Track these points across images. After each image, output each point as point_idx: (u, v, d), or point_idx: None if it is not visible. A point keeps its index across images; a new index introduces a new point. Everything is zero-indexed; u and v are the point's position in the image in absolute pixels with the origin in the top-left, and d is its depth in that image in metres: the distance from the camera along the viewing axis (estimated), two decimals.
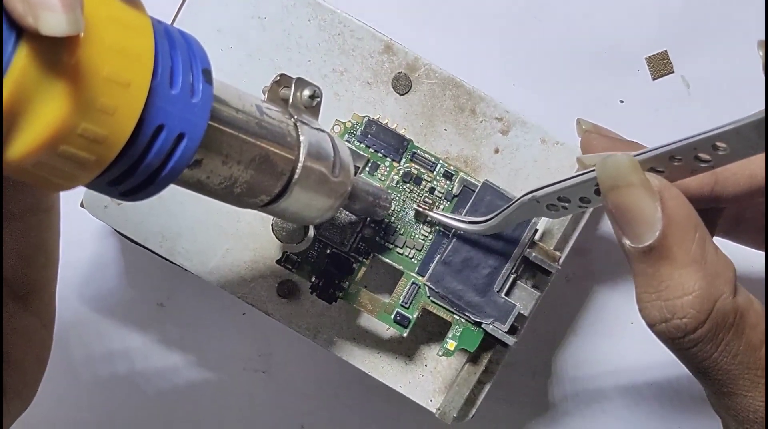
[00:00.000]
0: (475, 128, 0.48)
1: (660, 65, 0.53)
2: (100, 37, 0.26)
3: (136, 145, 0.28)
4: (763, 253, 0.47)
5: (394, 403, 0.51)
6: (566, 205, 0.39)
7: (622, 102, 0.54)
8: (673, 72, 0.54)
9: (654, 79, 0.54)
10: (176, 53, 0.29)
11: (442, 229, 0.46)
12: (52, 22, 0.23)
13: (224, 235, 0.49)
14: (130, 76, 0.26)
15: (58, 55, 0.24)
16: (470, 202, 0.45)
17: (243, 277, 0.49)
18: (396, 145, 0.46)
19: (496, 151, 0.48)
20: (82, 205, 0.49)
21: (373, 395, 0.56)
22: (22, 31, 0.24)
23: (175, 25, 0.48)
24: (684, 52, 0.54)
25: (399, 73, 0.48)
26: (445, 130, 0.48)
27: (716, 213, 0.46)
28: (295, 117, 0.36)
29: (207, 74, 0.30)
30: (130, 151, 0.28)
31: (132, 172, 0.29)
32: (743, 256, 0.49)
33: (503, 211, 0.42)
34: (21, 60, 0.24)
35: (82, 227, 0.54)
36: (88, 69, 0.25)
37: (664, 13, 0.54)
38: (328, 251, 0.46)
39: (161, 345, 0.56)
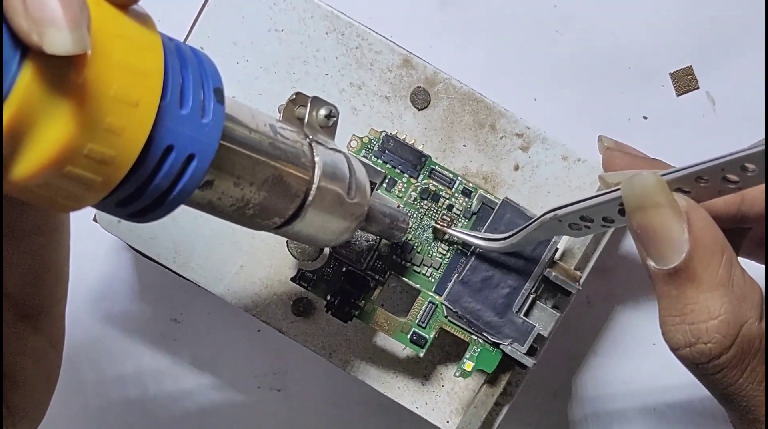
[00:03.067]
0: (495, 144, 0.47)
1: (685, 81, 0.53)
2: (107, 55, 0.25)
3: (145, 166, 0.27)
4: None
5: (410, 424, 0.50)
6: (589, 224, 0.38)
7: (645, 118, 0.53)
8: (698, 88, 0.53)
9: (678, 95, 0.53)
10: (187, 71, 0.29)
11: (460, 247, 0.45)
12: (58, 40, 0.22)
13: (239, 252, 0.48)
14: (138, 96, 0.26)
15: (64, 73, 0.24)
16: (489, 219, 0.45)
17: (257, 294, 0.48)
18: (414, 161, 0.45)
19: (516, 168, 0.47)
20: (95, 220, 0.48)
21: (389, 416, 0.55)
22: (27, 49, 0.23)
23: (190, 37, 0.47)
24: (709, 67, 0.53)
25: (418, 87, 0.47)
26: (464, 146, 0.47)
27: (742, 233, 0.45)
28: (310, 137, 0.35)
29: (219, 93, 0.29)
30: (138, 172, 0.27)
31: (140, 194, 0.28)
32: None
33: (523, 228, 0.41)
34: (25, 79, 0.23)
35: (95, 242, 0.54)
36: (95, 88, 0.24)
37: (689, 28, 0.53)
38: (344, 269, 0.45)
39: (174, 361, 0.56)
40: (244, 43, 0.47)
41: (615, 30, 0.53)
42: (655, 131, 0.53)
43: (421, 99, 0.47)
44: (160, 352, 0.56)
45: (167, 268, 0.48)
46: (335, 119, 0.37)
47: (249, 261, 0.48)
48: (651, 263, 0.34)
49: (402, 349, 0.48)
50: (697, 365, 0.34)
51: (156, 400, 0.56)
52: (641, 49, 0.53)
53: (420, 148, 0.45)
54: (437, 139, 0.47)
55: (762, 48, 0.53)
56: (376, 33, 0.47)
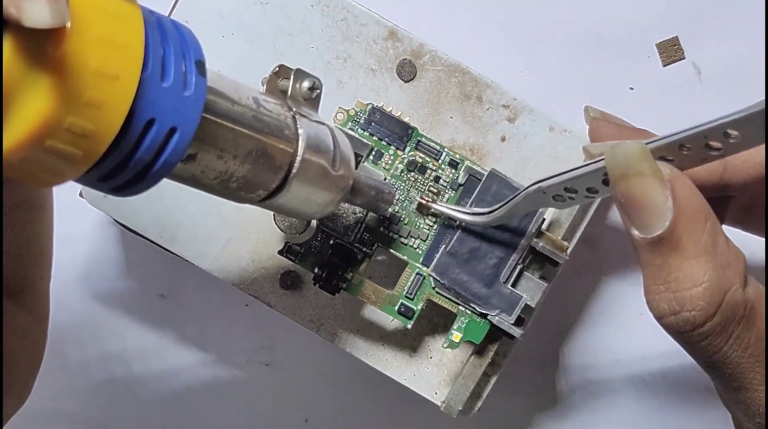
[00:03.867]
0: (482, 116, 0.47)
1: (671, 51, 0.52)
2: (87, 29, 0.25)
3: (126, 139, 0.27)
4: None
5: (399, 396, 0.50)
6: (573, 195, 0.38)
7: (631, 89, 0.53)
8: (684, 58, 0.53)
9: (664, 66, 0.53)
10: (168, 44, 0.28)
11: (447, 219, 0.45)
12: (36, 13, 0.22)
13: (225, 225, 0.48)
14: (118, 69, 0.25)
15: (43, 47, 0.23)
16: (476, 191, 0.44)
17: (245, 268, 0.48)
18: (400, 133, 0.45)
19: (503, 139, 0.47)
20: (81, 195, 0.48)
21: (378, 388, 0.55)
22: (4, 23, 0.23)
23: (176, 10, 0.47)
24: (695, 37, 0.53)
25: (404, 59, 0.47)
26: (451, 117, 0.47)
27: (725, 201, 0.45)
28: (294, 109, 0.35)
29: (200, 66, 0.29)
30: (119, 146, 0.27)
31: (122, 168, 0.28)
32: (754, 246, 0.48)
33: (508, 201, 0.41)
34: (5, 53, 0.23)
35: (81, 218, 0.54)
36: (75, 61, 0.24)
37: None
38: (332, 242, 0.45)
39: (162, 337, 0.56)
40: (229, 16, 0.47)
41: (602, 1, 0.53)
42: (642, 102, 0.53)
43: (407, 71, 0.47)
44: (148, 328, 0.56)
45: (154, 242, 0.48)
46: (319, 91, 0.37)
47: (236, 235, 0.48)
48: (635, 232, 0.34)
49: (390, 321, 0.48)
50: (681, 333, 0.34)
51: (144, 376, 0.56)
52: (627, 19, 0.53)
53: (406, 120, 0.45)
54: (424, 111, 0.47)
55: (748, 19, 0.52)
56: (362, 5, 0.47)
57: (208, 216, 0.48)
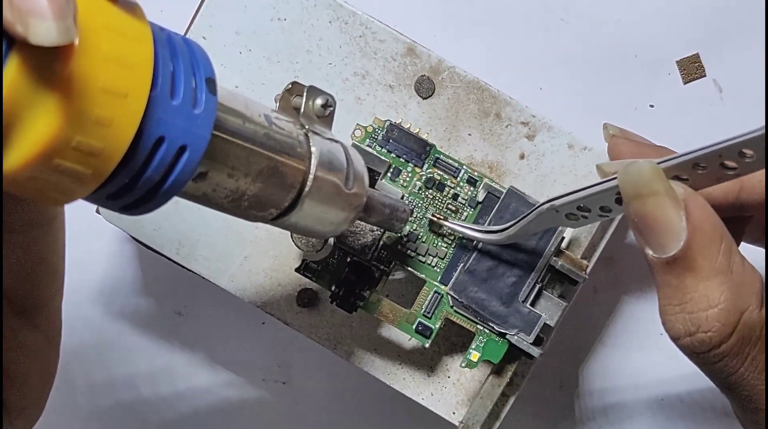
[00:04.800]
0: (501, 133, 0.47)
1: (691, 68, 0.52)
2: (95, 46, 0.25)
3: (136, 158, 0.27)
4: None
5: (416, 416, 0.50)
6: (586, 214, 0.37)
7: (652, 106, 0.52)
8: (705, 76, 0.52)
9: (685, 83, 0.52)
10: (178, 62, 0.28)
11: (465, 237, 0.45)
12: (43, 30, 0.22)
13: (243, 242, 0.48)
14: (127, 86, 0.25)
15: (50, 65, 0.23)
16: (495, 208, 0.44)
17: (262, 285, 0.48)
18: (418, 150, 0.45)
19: (522, 157, 0.47)
20: (98, 211, 0.48)
21: (395, 407, 0.55)
22: (12, 41, 0.23)
23: (192, 27, 0.47)
24: (716, 55, 0.52)
25: (422, 76, 0.47)
26: (470, 134, 0.47)
27: (743, 221, 0.44)
28: (307, 127, 0.35)
29: (211, 84, 0.29)
30: (129, 164, 0.27)
31: (132, 186, 0.27)
32: None
33: (521, 220, 0.41)
34: (11, 71, 0.23)
35: (98, 234, 0.54)
36: (83, 79, 0.24)
37: (695, 16, 0.52)
38: (349, 259, 0.45)
39: (179, 354, 0.56)
40: (247, 33, 0.47)
41: (621, 18, 0.52)
42: (662, 119, 0.53)
43: (425, 88, 0.47)
44: (164, 346, 0.56)
45: (171, 259, 0.48)
46: (332, 109, 0.37)
47: (253, 252, 0.48)
48: (649, 252, 0.34)
49: (407, 339, 0.48)
50: (697, 354, 0.34)
51: (160, 394, 0.56)
52: (647, 36, 0.52)
53: (425, 137, 0.45)
54: (442, 128, 0.47)
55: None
56: (380, 22, 0.47)
57: (225, 233, 0.48)
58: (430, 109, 0.47)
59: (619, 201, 0.35)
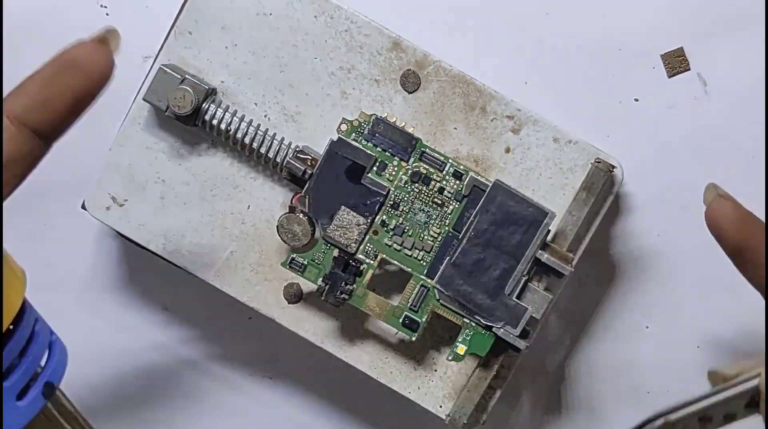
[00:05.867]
0: (486, 127, 0.47)
1: (676, 62, 0.52)
2: None
3: None
4: None
5: (403, 409, 0.50)
6: (707, 425, 0.34)
7: (636, 100, 0.52)
8: (689, 69, 0.52)
9: (670, 77, 0.52)
10: (27, 354, 0.30)
11: (451, 230, 0.45)
12: None
13: (229, 237, 0.48)
14: None
15: None
16: (481, 202, 0.44)
17: (248, 280, 0.48)
18: (404, 144, 0.45)
19: (507, 151, 0.47)
20: (83, 207, 0.48)
21: (382, 401, 0.54)
22: None
23: (179, 22, 0.47)
24: (700, 48, 0.52)
25: (408, 70, 0.47)
26: (455, 128, 0.47)
27: None
28: None
29: (49, 388, 0.31)
30: None
31: None
32: None
33: None
34: None
35: (83, 229, 0.53)
36: None
37: (679, 9, 0.52)
38: (336, 254, 0.45)
39: (165, 349, 0.55)
40: (232, 27, 0.47)
41: (605, 12, 0.52)
42: (647, 113, 0.53)
43: (411, 82, 0.47)
44: (151, 341, 0.55)
45: (157, 255, 0.48)
46: None
47: (239, 247, 0.48)
48: None
49: (394, 333, 0.48)
50: None
51: (146, 389, 0.56)
52: (632, 31, 0.52)
53: (410, 131, 0.45)
54: (428, 122, 0.47)
55: (753, 29, 0.52)
56: (365, 17, 0.47)
57: (211, 228, 0.48)
58: (415, 103, 0.47)
59: (751, 404, 0.32)
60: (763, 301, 0.34)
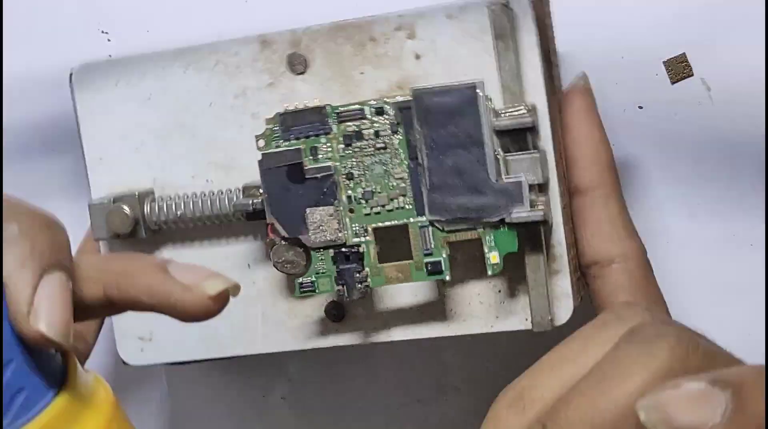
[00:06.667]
0: (386, 51, 0.44)
1: (679, 68, 0.50)
2: None
3: None
4: None
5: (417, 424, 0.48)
6: None
7: (641, 108, 0.51)
8: (692, 75, 0.50)
9: (673, 83, 0.50)
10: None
11: (410, 161, 0.42)
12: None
13: (251, 302, 0.47)
14: None
15: None
16: (414, 117, 0.42)
17: (290, 326, 0.47)
18: (318, 118, 0.43)
19: (418, 57, 0.44)
20: (124, 362, 0.48)
21: (398, 418, 0.54)
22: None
23: (86, 157, 0.48)
24: (703, 54, 0.50)
25: (288, 56, 0.45)
26: (362, 73, 0.45)
27: None
28: None
29: None
30: None
31: None
32: None
33: None
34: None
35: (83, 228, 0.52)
36: None
37: (681, 15, 0.50)
38: (331, 253, 0.44)
39: (178, 373, 0.56)
40: (129, 130, 0.47)
41: (606, 19, 0.51)
42: (652, 120, 0.51)
43: (297, 63, 0.45)
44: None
45: (207, 360, 0.48)
46: None
47: (266, 304, 0.47)
48: None
49: (415, 296, 0.46)
50: None
51: (161, 412, 0.57)
52: (633, 37, 0.51)
53: (316, 103, 0.43)
54: (337, 85, 0.45)
55: (757, 33, 0.49)
56: (221, 39, 0.46)
57: (232, 304, 0.47)
58: (315, 77, 0.45)
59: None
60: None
